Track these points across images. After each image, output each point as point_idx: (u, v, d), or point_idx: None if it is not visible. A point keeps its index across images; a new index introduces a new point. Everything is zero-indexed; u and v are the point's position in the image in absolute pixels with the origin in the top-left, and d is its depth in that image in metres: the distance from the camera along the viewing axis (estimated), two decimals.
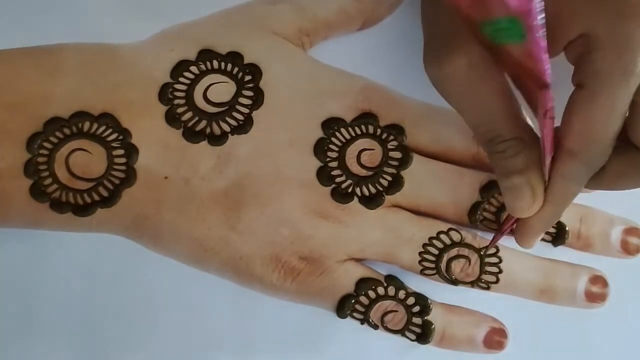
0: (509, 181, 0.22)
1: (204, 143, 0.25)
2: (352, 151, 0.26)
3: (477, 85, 0.21)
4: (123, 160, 0.25)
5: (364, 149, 0.26)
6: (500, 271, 0.26)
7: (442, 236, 0.26)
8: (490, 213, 0.26)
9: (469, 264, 0.26)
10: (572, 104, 0.21)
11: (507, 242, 0.26)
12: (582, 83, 0.21)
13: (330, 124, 0.26)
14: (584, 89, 0.21)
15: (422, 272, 0.26)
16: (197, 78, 0.25)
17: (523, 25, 0.17)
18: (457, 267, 0.26)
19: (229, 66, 0.26)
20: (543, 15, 0.17)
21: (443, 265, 0.26)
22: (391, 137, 0.26)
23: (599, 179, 0.22)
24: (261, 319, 0.28)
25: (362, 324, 0.26)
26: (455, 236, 0.26)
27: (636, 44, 0.20)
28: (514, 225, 0.25)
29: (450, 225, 0.26)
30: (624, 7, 0.20)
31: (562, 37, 0.21)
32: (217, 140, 0.25)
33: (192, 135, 0.25)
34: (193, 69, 0.25)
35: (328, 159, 0.26)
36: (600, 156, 0.21)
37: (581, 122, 0.21)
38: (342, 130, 0.26)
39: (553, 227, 0.26)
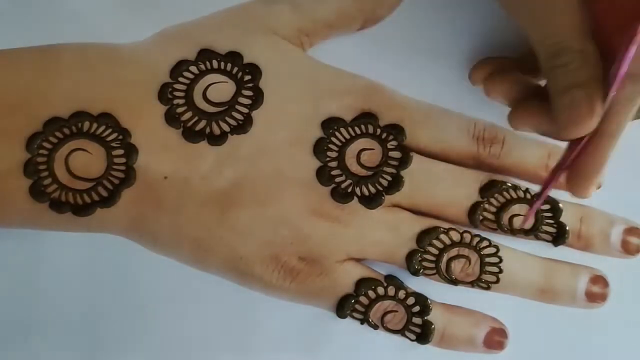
0: (568, 95, 0.21)
1: (204, 143, 0.25)
2: (351, 151, 0.26)
3: None
4: (122, 160, 0.25)
5: (364, 149, 0.26)
6: (501, 271, 0.26)
7: (442, 236, 0.26)
8: (490, 213, 0.26)
9: (469, 263, 0.26)
10: None
11: (507, 242, 0.26)
12: None
13: (330, 124, 0.26)
14: None
15: (422, 272, 0.26)
16: (197, 78, 0.25)
17: None
18: (457, 267, 0.26)
19: (229, 66, 0.26)
20: None
21: (443, 265, 0.26)
22: (391, 137, 0.26)
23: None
24: (260, 319, 0.28)
25: (362, 324, 0.26)
26: (455, 236, 0.26)
27: None
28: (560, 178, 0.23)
29: (450, 225, 0.26)
30: None
31: None
32: (217, 140, 0.25)
33: (191, 135, 0.25)
34: (193, 68, 0.25)
35: (328, 159, 0.26)
36: None
37: None
38: (342, 130, 0.26)
39: (553, 227, 0.26)
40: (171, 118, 0.25)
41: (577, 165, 0.22)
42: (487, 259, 0.26)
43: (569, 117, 0.21)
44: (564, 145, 0.28)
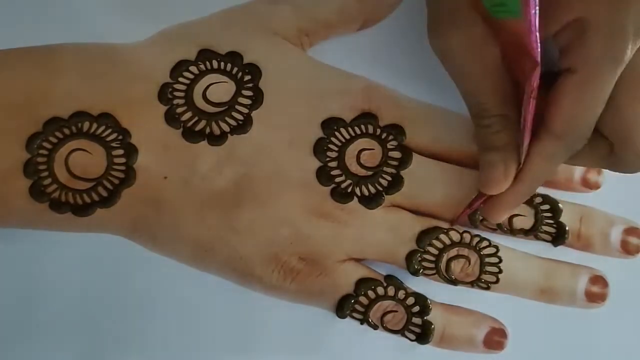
0: (487, 156, 0.23)
1: (204, 143, 0.25)
2: (351, 151, 0.26)
3: (473, 60, 0.22)
4: (122, 160, 0.25)
5: (364, 149, 0.26)
6: (500, 271, 0.26)
7: (442, 236, 0.26)
8: None
9: (469, 263, 0.26)
10: (560, 88, 0.21)
11: (507, 242, 0.26)
12: (572, 67, 0.21)
13: (330, 124, 0.26)
14: (575, 73, 0.21)
15: (422, 272, 0.26)
16: (197, 78, 0.25)
17: (520, 0, 0.18)
18: (457, 267, 0.26)
19: (229, 66, 0.26)
20: None
21: (443, 265, 0.26)
22: (391, 137, 0.26)
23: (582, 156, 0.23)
24: (260, 319, 0.28)
25: (361, 324, 0.26)
26: (455, 236, 0.26)
27: (629, 32, 0.20)
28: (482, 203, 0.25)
29: (450, 225, 0.26)
30: None
31: (557, 19, 0.21)
32: (217, 140, 0.25)
33: (191, 135, 0.25)
34: (192, 68, 0.25)
35: (328, 159, 0.26)
36: (581, 139, 0.22)
37: (569, 106, 0.21)
38: (342, 130, 0.26)
39: (553, 227, 0.26)
40: (171, 118, 0.25)
41: (496, 201, 0.24)
42: (487, 259, 0.26)
43: (485, 176, 0.23)
44: None
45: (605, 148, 0.23)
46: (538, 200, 0.26)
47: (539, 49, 0.19)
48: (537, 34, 0.19)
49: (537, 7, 0.18)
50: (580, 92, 0.21)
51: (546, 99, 0.22)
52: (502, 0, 0.19)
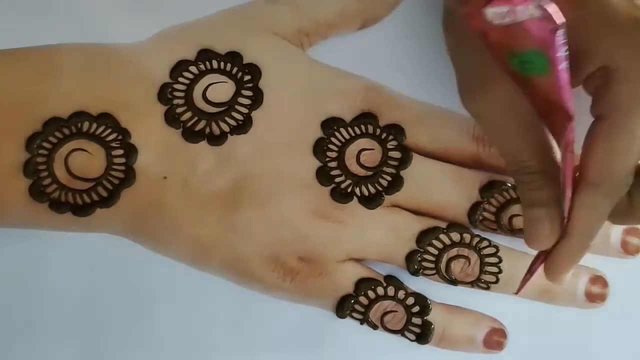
0: (531, 212, 0.23)
1: (203, 143, 0.25)
2: (351, 151, 0.26)
3: (508, 118, 0.22)
4: (122, 160, 0.25)
5: (364, 149, 0.26)
6: (500, 271, 0.26)
7: (442, 236, 0.26)
8: (490, 213, 0.26)
9: (469, 264, 0.26)
10: (592, 135, 0.21)
11: (507, 242, 0.26)
12: (601, 115, 0.21)
13: (330, 124, 0.26)
14: (605, 120, 0.21)
15: (421, 272, 0.26)
16: (197, 78, 0.25)
17: (547, 57, 0.18)
18: (456, 267, 0.26)
19: (228, 66, 0.26)
20: (566, 47, 0.17)
21: (443, 265, 0.26)
22: (391, 137, 0.26)
23: (625, 212, 0.22)
24: (260, 319, 0.28)
25: (361, 324, 0.26)
26: (455, 236, 0.26)
27: None
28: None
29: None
30: None
31: (584, 69, 0.21)
32: (217, 140, 0.25)
33: (191, 135, 0.25)
34: (192, 68, 0.25)
35: (327, 159, 0.26)
36: (620, 187, 0.21)
37: (601, 154, 0.21)
38: (342, 130, 0.26)
39: None
40: (171, 118, 0.25)
41: (552, 258, 0.23)
42: (487, 259, 0.26)
43: (531, 233, 0.23)
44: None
45: (625, 202, 0.22)
46: None
47: (571, 102, 0.19)
48: (569, 87, 0.19)
49: (566, 62, 0.18)
50: (611, 139, 0.21)
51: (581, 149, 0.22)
52: (530, 57, 0.18)
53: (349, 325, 0.26)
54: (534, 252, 0.27)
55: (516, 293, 0.25)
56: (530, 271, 0.25)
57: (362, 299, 0.26)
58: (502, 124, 0.22)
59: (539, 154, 0.22)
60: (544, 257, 0.24)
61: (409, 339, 0.26)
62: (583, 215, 0.22)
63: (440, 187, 0.26)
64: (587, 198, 0.21)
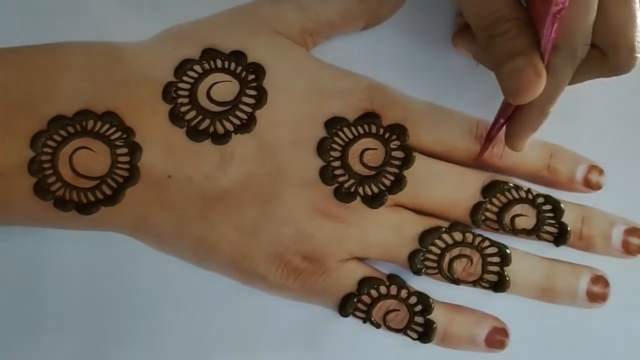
0: (512, 63, 0.22)
1: (208, 142, 0.25)
2: (354, 150, 0.26)
3: None
4: (127, 158, 0.25)
5: (367, 149, 0.26)
6: (502, 271, 0.26)
7: (444, 236, 0.26)
8: (492, 213, 0.26)
9: (471, 263, 0.26)
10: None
11: (508, 242, 0.26)
12: None
13: (333, 124, 0.26)
14: None
15: (424, 272, 0.26)
16: (201, 77, 0.26)
17: None
18: (459, 266, 0.26)
19: (233, 65, 0.26)
20: None
21: (445, 264, 0.26)
22: (394, 137, 0.26)
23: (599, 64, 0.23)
24: (263, 318, 0.28)
25: (364, 322, 0.26)
26: (458, 236, 0.26)
27: None
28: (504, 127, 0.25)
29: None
30: None
31: None
32: (221, 139, 0.25)
33: (195, 134, 0.25)
34: (197, 67, 0.26)
35: (331, 159, 0.26)
36: (580, 46, 0.21)
37: (563, 18, 0.21)
38: (345, 129, 0.26)
39: (554, 227, 0.27)
40: (175, 117, 0.25)
41: (514, 124, 0.24)
42: (489, 259, 0.26)
43: (515, 84, 0.22)
44: (566, 144, 0.28)
45: (597, 56, 0.22)
46: (540, 200, 0.27)
47: None
48: None
49: None
50: (571, 3, 0.21)
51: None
52: None
53: (352, 324, 0.26)
54: (536, 252, 0.27)
55: (475, 160, 0.26)
56: (489, 138, 0.26)
57: (365, 298, 0.26)
58: None
59: (513, 2, 0.22)
60: (501, 124, 0.24)
61: (411, 337, 0.26)
62: (548, 79, 0.22)
63: (442, 187, 0.26)
64: (551, 60, 0.22)
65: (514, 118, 0.24)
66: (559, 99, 0.23)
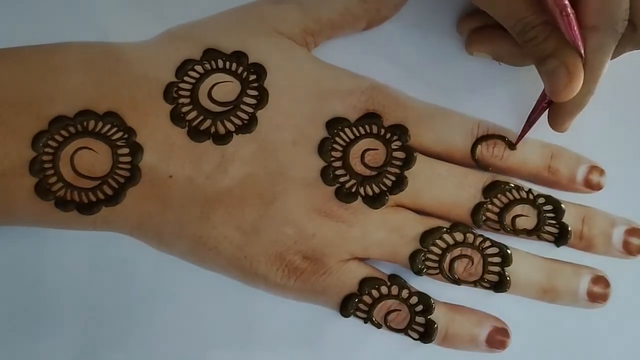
0: (545, 66, 0.23)
1: (209, 142, 0.25)
2: (356, 151, 0.26)
3: None
4: (128, 159, 0.25)
5: (368, 149, 0.26)
6: (503, 271, 0.26)
7: (445, 236, 0.26)
8: (493, 213, 0.26)
9: (472, 263, 0.26)
10: None
11: (509, 243, 0.26)
12: None
13: (335, 124, 0.26)
14: None
15: (425, 272, 0.26)
16: (202, 77, 0.26)
17: None
18: (460, 266, 0.26)
19: (234, 65, 0.26)
20: None
21: (446, 264, 0.26)
22: (395, 137, 0.26)
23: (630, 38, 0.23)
24: (263, 318, 0.28)
25: (365, 322, 0.26)
26: (459, 236, 0.26)
27: None
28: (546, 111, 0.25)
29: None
30: None
31: None
32: (222, 139, 0.25)
33: (196, 134, 0.25)
34: (198, 68, 0.26)
35: (332, 159, 0.26)
36: (618, 23, 0.22)
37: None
38: (346, 130, 0.26)
39: (555, 227, 0.27)
40: (176, 117, 0.25)
41: (561, 105, 0.24)
42: (490, 259, 0.26)
43: (554, 84, 0.23)
44: (566, 145, 0.28)
45: (630, 29, 0.23)
46: (541, 200, 0.27)
47: None
48: None
49: None
50: None
51: None
52: None
53: (353, 324, 0.26)
54: (537, 253, 0.27)
55: (514, 144, 0.26)
56: (529, 122, 0.26)
57: (366, 298, 0.26)
58: None
59: (535, 8, 0.23)
60: (543, 107, 0.25)
61: (412, 337, 0.26)
62: (591, 59, 0.23)
63: (443, 188, 0.26)
64: (593, 42, 0.22)
65: (559, 104, 0.24)
66: (602, 76, 0.23)
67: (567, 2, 0.21)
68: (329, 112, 0.26)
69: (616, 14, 0.22)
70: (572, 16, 0.22)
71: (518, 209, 0.27)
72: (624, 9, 0.22)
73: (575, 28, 0.22)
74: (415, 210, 0.26)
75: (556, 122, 0.25)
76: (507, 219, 0.26)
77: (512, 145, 0.27)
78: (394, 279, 0.26)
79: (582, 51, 0.22)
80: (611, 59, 0.23)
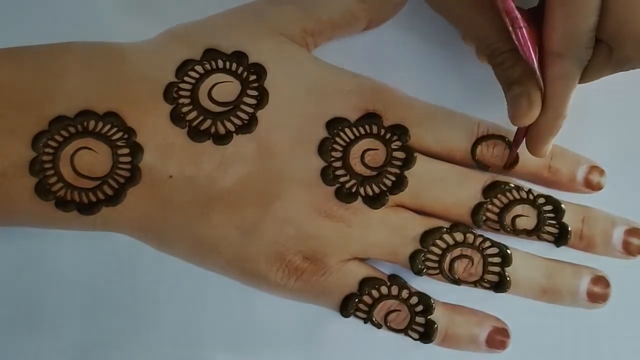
0: (510, 91, 0.24)
1: (209, 142, 0.25)
2: (356, 151, 0.26)
3: (469, 6, 0.24)
4: (128, 159, 0.25)
5: (368, 149, 0.26)
6: (503, 271, 0.26)
7: (445, 236, 0.26)
8: (493, 214, 0.26)
9: (472, 263, 0.26)
10: (547, 6, 0.22)
11: (509, 243, 0.26)
12: None
13: (335, 124, 0.26)
14: None
15: (425, 272, 0.26)
16: (202, 77, 0.26)
17: None
18: (460, 266, 0.26)
19: (234, 66, 0.26)
20: None
21: (446, 264, 0.26)
22: (395, 137, 0.26)
23: (603, 65, 0.23)
24: (263, 318, 0.28)
25: (365, 323, 0.26)
26: (459, 236, 0.26)
27: None
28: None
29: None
30: None
31: None
32: (222, 139, 0.25)
33: (197, 134, 0.25)
34: (198, 68, 0.26)
35: (332, 159, 0.26)
36: (583, 50, 0.22)
37: (560, 22, 0.22)
38: (346, 130, 0.26)
39: (555, 227, 0.27)
40: (176, 117, 0.25)
41: (532, 130, 0.25)
42: (490, 259, 0.26)
43: (514, 110, 0.24)
44: (566, 145, 0.28)
45: (605, 51, 0.23)
46: (541, 200, 0.27)
47: None
48: None
49: None
50: (566, 4, 0.21)
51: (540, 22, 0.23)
52: None
53: (353, 324, 0.26)
54: (537, 253, 0.27)
55: (504, 167, 0.27)
56: (515, 143, 0.26)
57: (366, 298, 0.26)
58: (465, 12, 0.24)
59: (502, 35, 0.23)
60: (525, 130, 0.25)
61: (412, 338, 0.26)
62: (556, 86, 0.23)
63: (443, 188, 0.26)
64: (556, 69, 0.23)
65: (533, 124, 0.24)
66: (570, 101, 0.23)
67: (518, 15, 0.22)
68: (329, 112, 0.26)
69: (580, 42, 0.22)
70: (524, 30, 0.22)
71: (518, 209, 0.27)
72: (586, 37, 0.22)
73: (529, 43, 0.22)
74: (415, 210, 0.26)
75: (533, 147, 0.25)
76: (507, 219, 0.26)
77: (506, 167, 0.27)
78: (394, 279, 0.26)
79: (536, 67, 0.22)
80: (592, 80, 0.23)
